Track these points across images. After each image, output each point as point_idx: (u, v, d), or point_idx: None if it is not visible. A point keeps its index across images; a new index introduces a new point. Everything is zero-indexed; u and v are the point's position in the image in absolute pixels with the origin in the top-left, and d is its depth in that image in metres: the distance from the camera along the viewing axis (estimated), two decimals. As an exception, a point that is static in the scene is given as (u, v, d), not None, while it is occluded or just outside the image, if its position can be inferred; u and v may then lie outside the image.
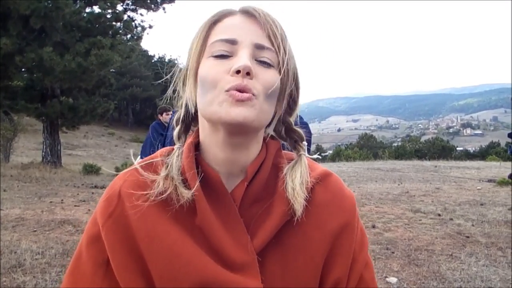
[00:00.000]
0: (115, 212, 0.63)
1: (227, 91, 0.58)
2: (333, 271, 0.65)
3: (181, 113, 0.71)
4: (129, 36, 14.06)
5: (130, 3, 14.24)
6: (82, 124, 14.81)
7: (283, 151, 0.73)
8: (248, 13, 0.63)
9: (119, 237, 0.62)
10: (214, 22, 0.64)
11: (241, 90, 0.58)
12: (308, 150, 6.04)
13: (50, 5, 10.35)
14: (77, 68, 10.89)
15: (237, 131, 0.61)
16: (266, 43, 0.61)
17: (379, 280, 3.55)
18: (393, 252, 4.26)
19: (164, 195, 0.62)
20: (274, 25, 0.62)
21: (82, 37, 11.67)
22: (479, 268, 3.78)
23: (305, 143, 0.73)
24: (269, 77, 0.61)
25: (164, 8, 14.74)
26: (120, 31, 13.40)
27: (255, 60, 0.61)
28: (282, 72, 0.62)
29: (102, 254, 0.62)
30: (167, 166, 0.66)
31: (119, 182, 0.66)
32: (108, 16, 12.50)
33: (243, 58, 0.59)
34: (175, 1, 14.89)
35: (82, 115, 13.40)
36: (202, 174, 0.65)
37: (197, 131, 0.69)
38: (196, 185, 0.62)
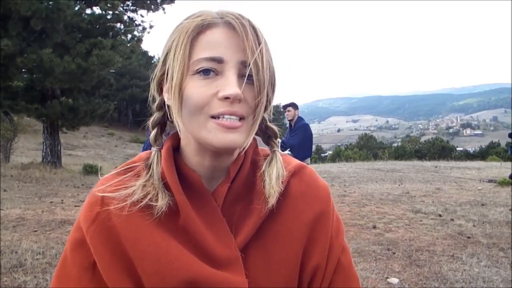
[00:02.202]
0: (98, 217, 0.64)
1: (213, 117, 0.59)
2: (312, 258, 0.67)
3: (156, 115, 0.70)
4: (129, 37, 14.06)
5: (130, 4, 14.24)
6: (82, 125, 14.80)
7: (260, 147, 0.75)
8: (230, 25, 0.60)
9: (104, 240, 0.62)
10: (196, 34, 0.61)
11: (231, 114, 0.59)
12: (310, 149, 6.05)
13: (51, 6, 10.35)
14: (78, 69, 10.89)
15: (225, 152, 0.64)
16: (251, 58, 0.60)
17: (381, 281, 3.54)
18: (394, 253, 4.26)
19: (145, 201, 0.63)
20: (255, 37, 0.60)
21: (83, 38, 11.67)
22: (480, 268, 3.77)
23: (279, 140, 0.75)
24: (253, 95, 0.61)
25: (164, 9, 14.74)
26: (121, 32, 13.40)
27: (240, 77, 0.60)
28: (263, 84, 0.61)
29: (88, 258, 0.63)
30: (148, 172, 0.67)
31: (101, 187, 0.66)
32: (109, 17, 12.50)
33: (232, 84, 0.58)
34: (175, 2, 14.90)
35: (82, 116, 13.40)
36: (183, 177, 0.66)
37: (175, 135, 0.70)
38: (177, 190, 0.64)
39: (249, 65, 0.59)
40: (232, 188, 0.67)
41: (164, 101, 0.68)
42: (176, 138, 0.70)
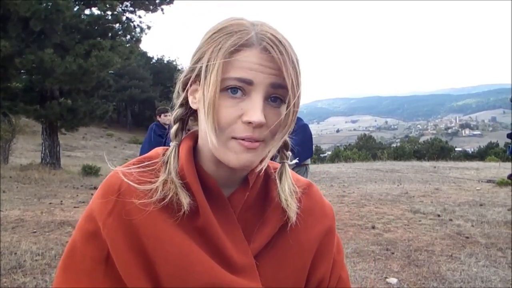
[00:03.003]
0: (115, 209, 0.62)
1: (235, 138, 0.60)
2: (318, 270, 0.72)
3: (178, 111, 0.71)
4: (128, 37, 14.06)
5: (129, 5, 14.25)
6: (81, 126, 14.79)
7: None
8: (266, 49, 0.60)
9: (121, 234, 0.61)
10: (231, 52, 0.60)
11: (251, 140, 0.60)
12: (311, 150, 6.05)
13: (50, 7, 10.35)
14: (77, 70, 10.88)
15: (241, 170, 0.66)
16: (282, 81, 0.60)
17: (379, 281, 3.55)
18: (393, 253, 4.27)
19: (166, 200, 0.63)
20: (290, 61, 0.60)
21: (82, 39, 11.67)
22: (479, 268, 3.79)
23: (289, 152, 0.76)
24: (278, 118, 0.61)
25: (162, 10, 14.75)
26: (120, 33, 13.40)
27: (267, 99, 0.61)
28: (294, 112, 0.62)
29: (102, 251, 0.62)
30: (166, 169, 0.66)
31: (117, 179, 0.65)
32: (108, 18, 12.50)
33: (256, 110, 0.59)
34: (174, 3, 14.91)
35: (81, 117, 13.38)
36: (201, 179, 0.66)
37: (195, 133, 0.70)
38: (198, 191, 0.64)
39: (290, 98, 0.60)
40: (248, 196, 0.69)
41: (187, 100, 0.69)
42: (195, 137, 0.70)
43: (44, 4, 10.32)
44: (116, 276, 0.61)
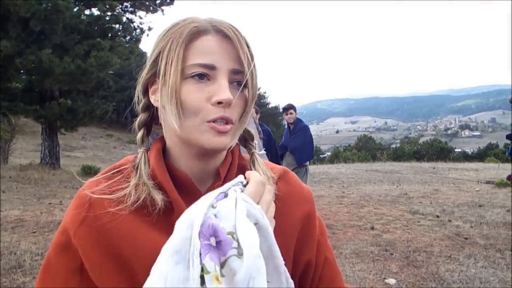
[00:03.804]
0: (87, 218, 0.64)
1: (208, 121, 0.62)
2: (304, 254, 0.73)
3: (142, 116, 0.74)
4: (128, 38, 14.06)
5: (129, 6, 14.25)
6: (80, 126, 14.78)
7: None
8: (222, 33, 0.64)
9: (92, 241, 0.63)
10: (190, 39, 0.64)
11: (225, 121, 0.63)
12: (311, 151, 6.04)
13: (50, 7, 10.35)
14: (77, 70, 10.88)
15: (213, 153, 0.68)
16: (240, 67, 0.64)
17: (378, 282, 3.56)
18: (391, 254, 4.28)
19: (139, 202, 0.64)
20: (245, 46, 0.64)
21: (82, 40, 11.67)
22: (477, 269, 3.80)
23: (255, 142, 0.79)
24: (242, 101, 0.66)
25: (162, 10, 14.76)
26: (119, 33, 13.40)
27: (230, 83, 0.64)
28: (255, 92, 0.67)
29: (75, 261, 0.64)
30: (137, 173, 0.68)
31: (88, 190, 0.67)
32: (107, 18, 12.50)
33: (224, 90, 0.62)
34: (174, 3, 14.92)
35: (81, 117, 13.37)
36: (173, 177, 0.68)
37: (162, 137, 0.73)
38: (171, 188, 0.66)
39: (246, 74, 0.64)
40: None
41: (150, 103, 0.71)
42: (163, 141, 0.72)
43: (44, 5, 10.33)
44: (91, 283, 0.63)
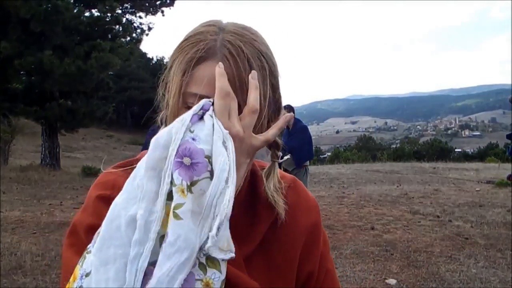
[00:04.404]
0: (112, 196, 0.60)
1: None
2: (307, 265, 0.74)
3: (164, 112, 0.70)
4: (128, 39, 14.07)
5: (129, 7, 14.27)
6: (80, 127, 14.80)
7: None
8: (225, 58, 0.60)
9: None
10: (190, 65, 0.61)
11: None
12: (311, 152, 6.04)
13: (50, 9, 10.37)
14: (77, 71, 10.89)
15: None
16: (237, 95, 0.59)
17: (379, 282, 3.56)
18: (392, 254, 4.28)
19: None
20: (246, 66, 0.60)
21: (82, 41, 11.68)
22: (478, 269, 3.80)
23: (280, 153, 0.76)
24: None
25: (162, 11, 14.78)
26: (119, 34, 13.41)
27: None
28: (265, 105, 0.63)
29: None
30: None
31: (111, 177, 0.67)
32: (107, 19, 12.51)
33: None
34: (174, 4, 14.93)
35: (81, 118, 13.39)
36: None
37: None
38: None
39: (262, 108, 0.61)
40: (236, 195, 0.68)
41: None
42: None
43: (44, 6, 10.34)
44: None
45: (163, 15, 14.95)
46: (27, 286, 3.33)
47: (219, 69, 0.57)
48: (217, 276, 0.49)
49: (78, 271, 0.52)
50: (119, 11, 13.37)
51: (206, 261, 0.49)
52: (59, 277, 3.51)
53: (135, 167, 0.68)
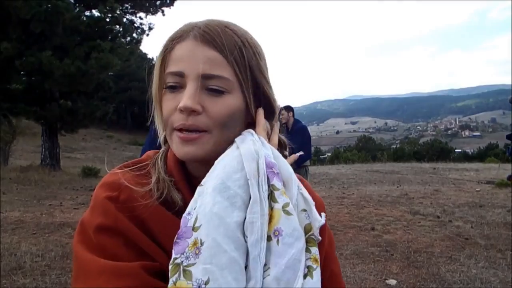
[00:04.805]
0: (119, 206, 0.62)
1: (176, 129, 0.62)
2: None
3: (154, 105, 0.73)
4: (128, 39, 14.08)
5: (129, 7, 14.27)
6: (80, 127, 14.81)
7: None
8: (196, 37, 0.62)
9: (133, 222, 0.61)
10: (168, 50, 0.64)
11: (187, 130, 0.61)
12: (309, 152, 6.04)
13: (50, 9, 10.37)
14: (77, 72, 10.90)
15: (199, 163, 0.66)
16: (216, 71, 0.61)
17: (379, 282, 3.56)
18: (392, 254, 4.27)
19: (163, 197, 0.64)
20: (225, 47, 0.61)
21: (82, 41, 11.69)
22: (478, 270, 3.79)
23: (286, 153, 0.77)
24: (221, 107, 0.62)
25: (163, 11, 14.78)
26: (120, 35, 13.41)
27: (206, 89, 0.61)
28: (243, 92, 0.64)
29: (119, 237, 0.60)
30: (155, 170, 0.69)
31: (117, 178, 0.65)
32: (108, 19, 12.52)
33: (185, 96, 0.60)
34: (174, 5, 14.93)
35: (81, 118, 13.40)
36: (188, 178, 0.68)
37: None
38: (187, 189, 0.66)
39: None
40: None
41: None
42: None
43: (44, 6, 10.35)
44: (144, 253, 0.60)
45: (163, 15, 14.95)
46: (27, 286, 3.32)
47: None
48: (317, 251, 0.60)
49: (188, 285, 0.52)
50: (119, 12, 13.37)
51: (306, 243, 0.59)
52: (59, 278, 3.51)
53: (142, 166, 0.70)
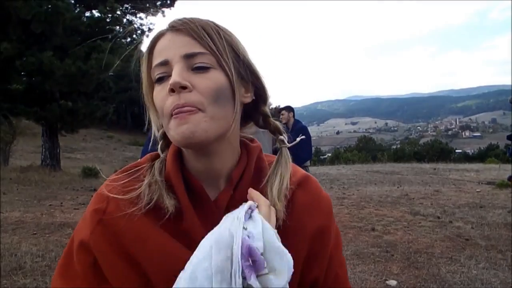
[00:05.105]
0: (104, 219, 0.64)
1: (170, 115, 0.61)
2: (312, 271, 0.69)
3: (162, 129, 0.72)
4: (128, 39, 14.08)
5: (129, 7, 14.27)
6: (81, 128, 14.79)
7: (264, 153, 0.75)
8: (173, 27, 0.64)
9: (108, 240, 0.63)
10: (151, 49, 0.66)
11: (181, 108, 0.60)
12: (310, 152, 6.04)
13: (51, 9, 10.38)
14: (77, 72, 10.90)
15: (198, 147, 0.63)
16: (196, 49, 0.62)
17: (379, 283, 3.55)
18: (392, 255, 4.27)
19: (151, 204, 0.64)
20: (199, 28, 0.63)
21: (82, 41, 11.69)
22: (479, 271, 3.79)
23: (283, 136, 0.74)
24: (208, 82, 0.62)
25: (163, 12, 14.79)
26: (120, 35, 13.42)
27: (192, 69, 0.62)
28: (225, 67, 0.64)
29: (90, 257, 0.64)
30: (151, 172, 0.68)
31: (106, 189, 0.67)
32: (108, 20, 12.52)
33: (173, 75, 0.61)
34: (174, 5, 14.94)
35: (81, 119, 13.39)
36: (186, 182, 0.67)
37: None
38: (182, 193, 0.65)
39: (186, 55, 0.62)
40: (234, 196, 0.67)
41: None
42: None
43: (45, 7, 10.35)
44: (104, 277, 0.64)
45: (163, 16, 14.95)
46: (27, 286, 3.33)
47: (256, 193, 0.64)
48: None
49: None
50: (119, 12, 13.38)
51: None
52: (59, 278, 3.51)
53: (137, 170, 0.70)
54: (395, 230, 5.37)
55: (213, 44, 0.63)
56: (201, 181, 0.67)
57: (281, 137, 0.73)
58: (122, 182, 0.68)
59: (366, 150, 40.90)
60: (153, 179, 0.66)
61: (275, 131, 0.74)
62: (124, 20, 13.61)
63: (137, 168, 0.70)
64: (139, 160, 0.74)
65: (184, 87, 0.60)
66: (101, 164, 19.09)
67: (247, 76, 0.68)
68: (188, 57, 0.62)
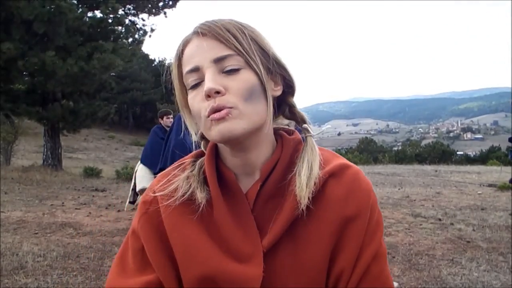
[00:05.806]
0: (149, 210, 0.73)
1: (207, 117, 0.64)
2: (338, 263, 0.66)
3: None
4: (130, 40, 14.10)
5: (131, 8, 14.29)
6: (82, 128, 14.81)
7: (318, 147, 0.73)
8: (199, 33, 0.66)
9: (151, 228, 0.71)
10: (179, 56, 0.69)
11: (217, 110, 0.63)
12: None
13: (53, 10, 10.40)
14: (79, 72, 10.92)
15: (236, 143, 0.67)
16: (224, 52, 0.64)
17: (380, 285, 3.55)
18: (393, 257, 4.27)
19: (186, 195, 0.70)
20: (223, 30, 0.65)
21: (84, 42, 11.71)
22: (480, 273, 3.78)
23: (307, 125, 0.76)
24: (240, 83, 0.64)
25: (165, 13, 14.81)
26: (122, 35, 13.44)
27: (223, 72, 0.65)
28: (254, 66, 0.65)
29: (138, 243, 0.73)
30: (191, 166, 0.75)
31: (154, 182, 0.76)
32: (110, 20, 12.54)
33: (206, 82, 0.63)
34: (176, 6, 14.96)
35: (83, 119, 13.41)
36: (220, 174, 0.72)
37: None
38: (214, 185, 0.70)
39: (216, 59, 0.64)
40: (264, 187, 0.70)
41: None
42: None
43: (47, 7, 10.37)
44: (149, 263, 0.71)
45: (165, 17, 14.98)
46: (28, 286, 3.33)
47: None
48: None
49: None
50: (122, 13, 13.40)
51: None
52: (60, 278, 3.52)
53: (182, 164, 0.77)
54: (396, 232, 5.37)
55: (239, 44, 0.65)
56: (238, 174, 0.72)
57: (305, 125, 0.75)
58: (168, 176, 0.74)
59: (367, 151, 40.80)
60: (191, 173, 0.73)
61: (301, 121, 0.77)
62: (126, 20, 13.62)
63: (182, 163, 0.77)
64: (187, 155, 0.80)
65: (218, 92, 0.63)
66: (103, 164, 19.11)
67: (275, 70, 0.70)
68: (218, 60, 0.64)
